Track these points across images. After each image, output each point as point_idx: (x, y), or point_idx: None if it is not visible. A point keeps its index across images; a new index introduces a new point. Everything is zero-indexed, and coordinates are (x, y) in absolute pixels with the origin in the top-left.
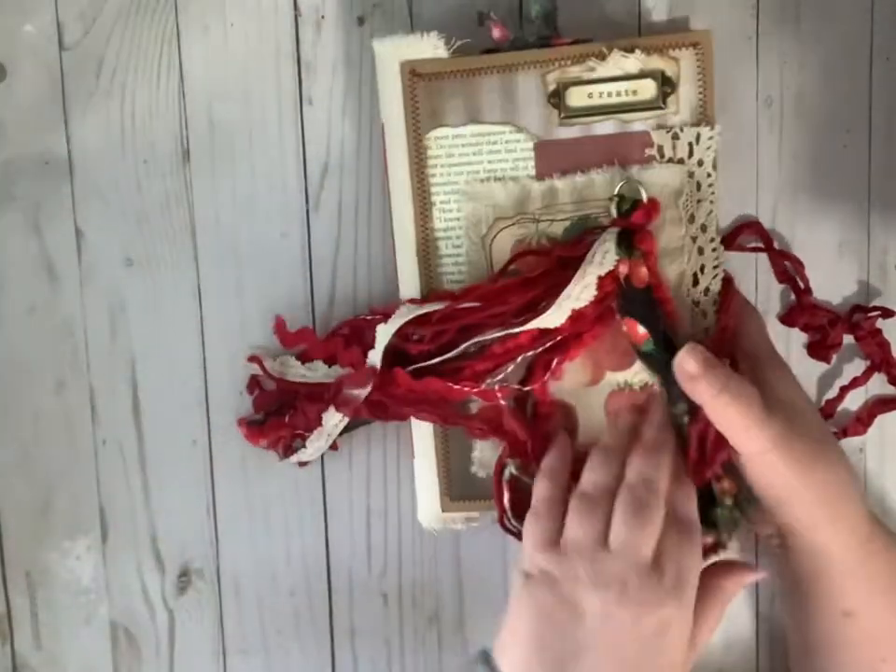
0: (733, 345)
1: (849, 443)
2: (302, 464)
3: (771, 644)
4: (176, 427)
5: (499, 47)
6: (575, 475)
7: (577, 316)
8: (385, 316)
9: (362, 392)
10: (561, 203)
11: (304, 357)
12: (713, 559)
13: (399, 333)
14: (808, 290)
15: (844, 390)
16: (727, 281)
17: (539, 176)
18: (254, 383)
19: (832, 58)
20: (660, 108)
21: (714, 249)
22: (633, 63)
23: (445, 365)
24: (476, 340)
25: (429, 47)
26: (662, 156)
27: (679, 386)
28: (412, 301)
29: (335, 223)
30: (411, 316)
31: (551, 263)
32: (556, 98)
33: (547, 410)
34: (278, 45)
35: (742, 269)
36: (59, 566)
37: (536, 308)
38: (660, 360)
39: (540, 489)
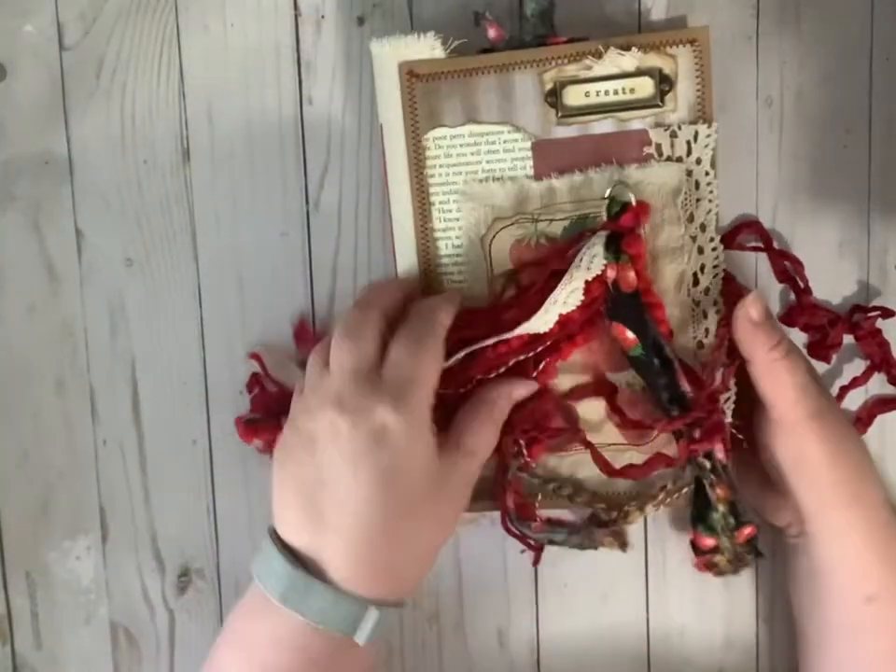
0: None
1: None
2: None
3: (771, 644)
4: (176, 427)
5: (496, 46)
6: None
7: (565, 321)
8: None
9: None
10: (559, 203)
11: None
12: (711, 558)
13: None
14: (808, 290)
15: (844, 390)
16: (728, 280)
17: (538, 176)
18: (254, 381)
19: (832, 58)
20: (658, 106)
21: (714, 248)
22: (630, 60)
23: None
24: (471, 349)
25: (427, 47)
26: (660, 154)
27: (669, 393)
28: None
29: (335, 223)
30: None
31: (545, 276)
32: (553, 97)
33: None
34: (278, 45)
35: (742, 269)
36: (59, 566)
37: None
38: (649, 365)
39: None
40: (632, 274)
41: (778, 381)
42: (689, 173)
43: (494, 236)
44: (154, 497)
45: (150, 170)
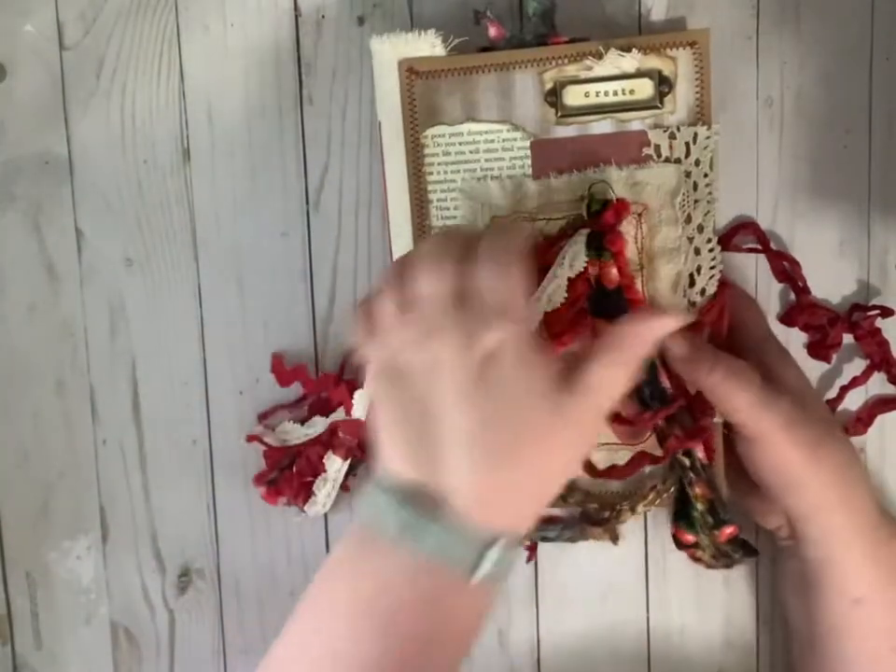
0: (735, 339)
1: None
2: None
3: (771, 644)
4: (176, 427)
5: (496, 45)
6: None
7: (550, 319)
8: None
9: (353, 438)
10: (557, 202)
11: (299, 402)
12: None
13: None
14: (807, 290)
15: (844, 390)
16: (723, 283)
17: (536, 175)
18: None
19: (832, 58)
20: (657, 108)
21: (711, 250)
22: (630, 62)
23: None
24: None
25: (427, 45)
26: (659, 155)
27: (650, 388)
28: None
29: (335, 223)
30: None
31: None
32: (553, 97)
33: None
34: (278, 45)
35: (742, 269)
36: (59, 566)
37: None
38: None
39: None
40: (614, 271)
41: (730, 403)
42: (687, 174)
43: None
44: (154, 497)
45: (150, 170)
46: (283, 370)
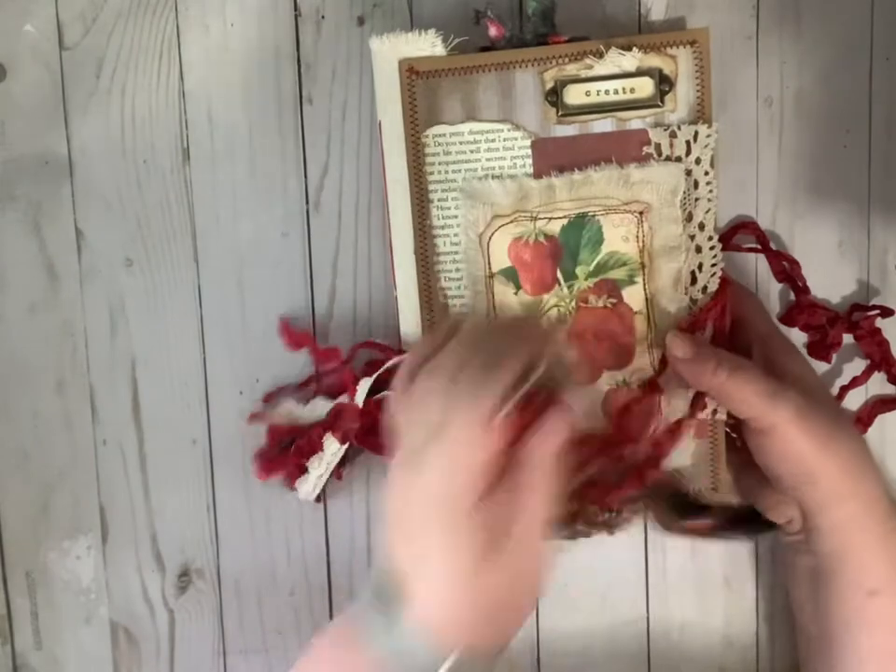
0: (739, 336)
1: None
2: (317, 499)
3: (771, 644)
4: (176, 427)
5: (496, 44)
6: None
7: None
8: (389, 352)
9: (353, 423)
10: (558, 201)
11: (305, 385)
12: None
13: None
14: (806, 289)
15: (844, 390)
16: (724, 280)
17: (537, 174)
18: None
19: (832, 58)
20: (657, 106)
21: (712, 248)
22: (630, 61)
23: None
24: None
25: (427, 44)
26: (659, 154)
27: None
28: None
29: (335, 223)
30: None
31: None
32: (554, 96)
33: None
34: (278, 45)
35: (742, 269)
36: (59, 566)
37: None
38: None
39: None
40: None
41: (736, 399)
42: (688, 172)
43: (492, 234)
44: (154, 496)
45: (150, 170)
46: (291, 332)
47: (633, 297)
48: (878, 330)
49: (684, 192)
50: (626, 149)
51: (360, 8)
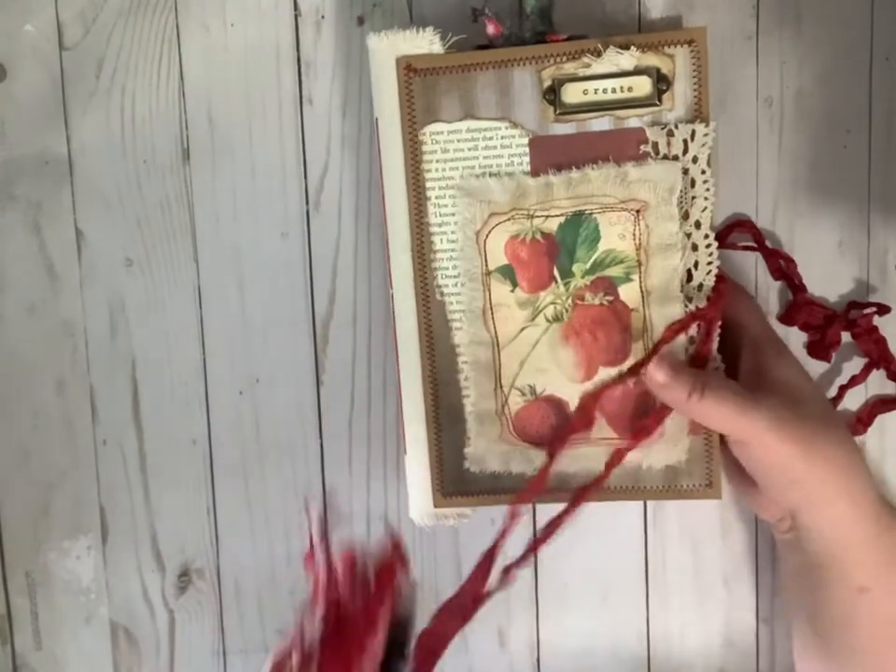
0: (732, 337)
1: None
2: None
3: (771, 644)
4: (176, 427)
5: (494, 42)
6: None
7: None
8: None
9: None
10: (556, 199)
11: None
12: None
13: None
14: (803, 287)
15: (843, 389)
16: (720, 278)
17: (535, 172)
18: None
19: (832, 58)
20: (655, 105)
21: (708, 245)
22: (628, 59)
23: None
24: None
25: (425, 42)
26: (657, 153)
27: None
28: None
29: (335, 223)
30: None
31: None
32: (552, 94)
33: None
34: (278, 45)
35: (741, 268)
36: (59, 566)
37: None
38: None
39: None
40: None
41: (712, 417)
42: (685, 171)
43: (490, 231)
44: (154, 497)
45: (150, 170)
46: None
47: (629, 294)
48: (875, 328)
49: (681, 191)
50: (624, 148)
51: (360, 8)
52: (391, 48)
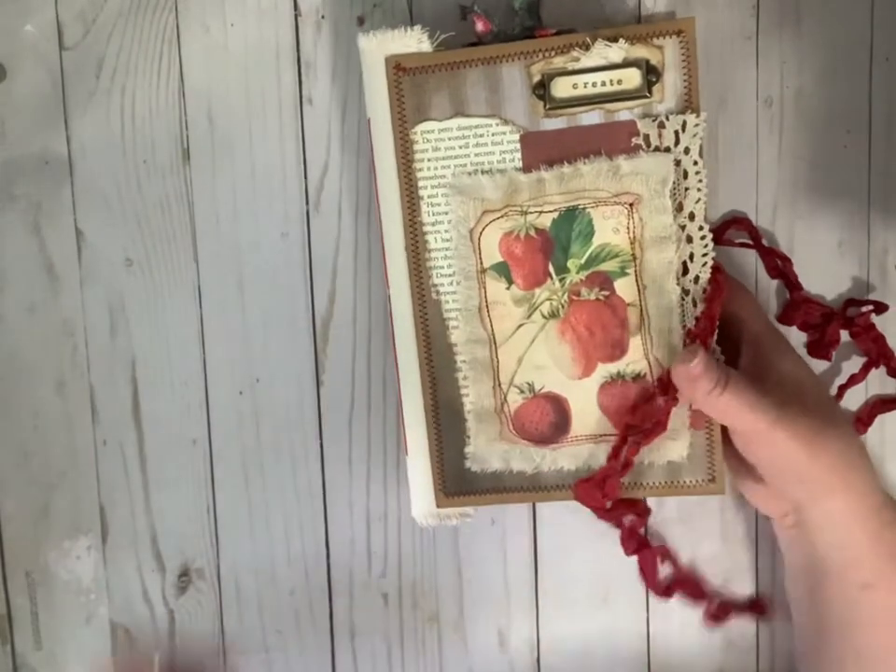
0: (732, 333)
1: None
2: None
3: (771, 644)
4: (176, 427)
5: (483, 39)
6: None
7: None
8: None
9: None
10: (549, 195)
11: None
12: None
13: None
14: (799, 285)
15: (843, 388)
16: (716, 269)
17: (527, 168)
18: None
19: (832, 58)
20: (645, 97)
21: (703, 237)
22: (617, 52)
23: None
24: None
25: (414, 41)
26: (648, 145)
27: None
28: None
29: (335, 223)
30: None
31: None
32: (541, 89)
33: None
34: (278, 45)
35: (741, 268)
36: (59, 566)
37: None
38: None
39: None
40: None
41: (726, 412)
42: (677, 162)
43: (483, 229)
44: (154, 496)
45: (150, 170)
46: None
47: (625, 289)
48: (873, 326)
49: (674, 182)
50: (615, 141)
51: (360, 8)
52: (381, 47)
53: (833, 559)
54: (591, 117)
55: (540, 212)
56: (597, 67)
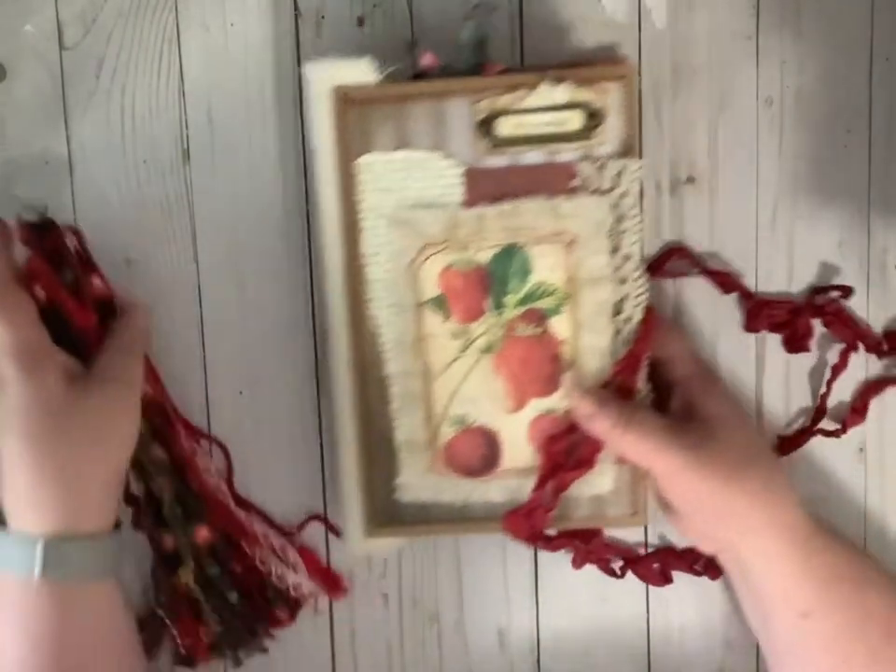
0: (661, 375)
1: (849, 443)
2: None
3: None
4: None
5: (430, 73)
6: None
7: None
8: None
9: None
10: (489, 231)
11: None
12: None
13: None
14: (749, 293)
15: (830, 382)
16: (649, 310)
17: (468, 204)
18: None
19: (832, 58)
20: (587, 139)
21: (637, 279)
22: (562, 93)
23: None
24: None
25: (360, 72)
26: (587, 186)
27: None
28: None
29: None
30: None
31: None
32: (486, 127)
33: None
34: (278, 45)
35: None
36: None
37: None
38: None
39: None
40: None
41: (633, 451)
42: (615, 205)
43: (423, 262)
44: None
45: (150, 170)
46: None
47: (560, 326)
48: (842, 310)
49: (611, 225)
50: (556, 181)
51: (360, 8)
52: (328, 77)
53: (770, 590)
54: (533, 156)
55: (480, 247)
56: (542, 108)
